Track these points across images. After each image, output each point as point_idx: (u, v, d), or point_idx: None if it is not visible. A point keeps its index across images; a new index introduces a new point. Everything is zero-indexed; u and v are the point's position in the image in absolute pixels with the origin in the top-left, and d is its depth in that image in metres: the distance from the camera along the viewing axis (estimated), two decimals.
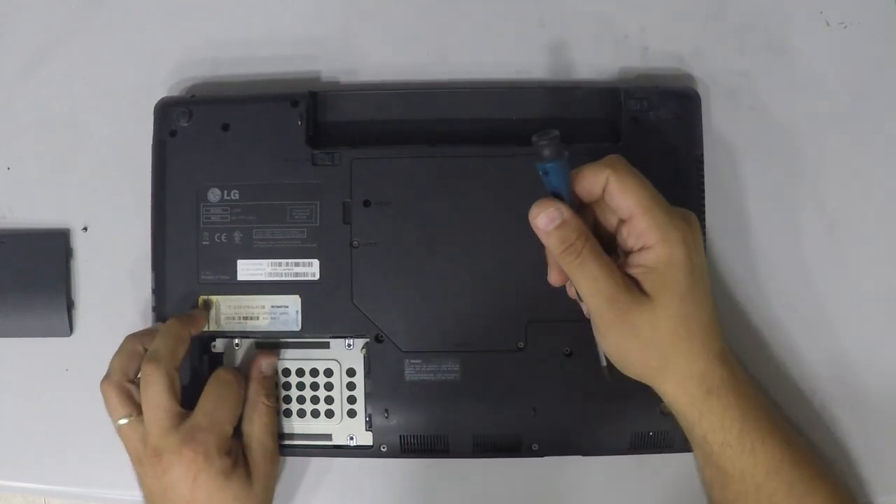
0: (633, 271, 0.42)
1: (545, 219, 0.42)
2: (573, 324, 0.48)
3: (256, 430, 0.48)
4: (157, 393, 0.45)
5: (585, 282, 0.42)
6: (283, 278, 0.49)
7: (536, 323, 0.49)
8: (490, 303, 0.49)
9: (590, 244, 0.42)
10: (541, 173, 0.42)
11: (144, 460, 0.45)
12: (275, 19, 0.54)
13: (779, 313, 0.51)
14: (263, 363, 0.49)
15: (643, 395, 0.45)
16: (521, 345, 0.49)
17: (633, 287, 0.42)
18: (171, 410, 0.45)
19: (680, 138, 0.49)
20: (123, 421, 0.45)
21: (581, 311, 0.46)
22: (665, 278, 0.42)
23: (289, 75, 0.54)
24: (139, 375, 0.46)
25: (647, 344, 0.43)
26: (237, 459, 0.46)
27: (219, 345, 0.51)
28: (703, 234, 0.48)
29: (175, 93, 0.54)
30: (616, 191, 0.42)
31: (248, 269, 0.50)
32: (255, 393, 0.48)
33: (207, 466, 0.44)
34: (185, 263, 0.50)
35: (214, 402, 0.46)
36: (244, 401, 0.48)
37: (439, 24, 0.54)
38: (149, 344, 0.47)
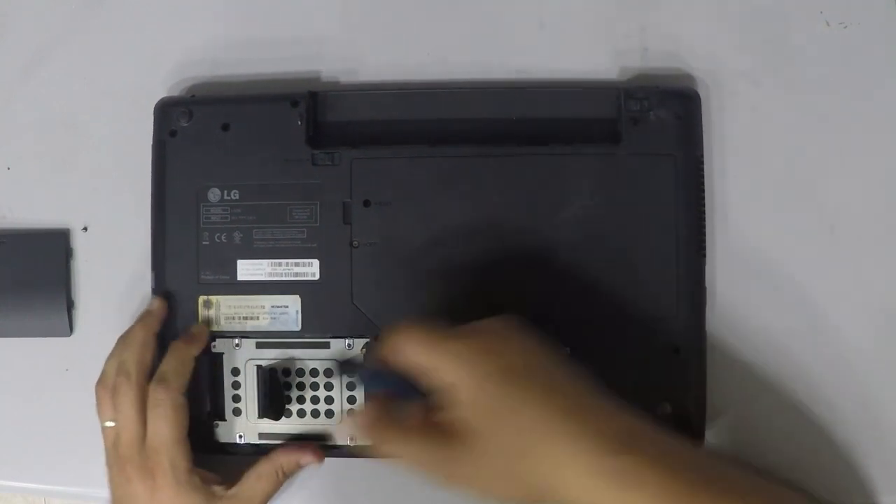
0: (447, 417, 0.40)
1: (364, 429, 0.42)
2: (573, 324, 0.48)
3: (258, 489, 0.48)
4: (129, 408, 0.46)
5: (416, 455, 0.41)
6: (283, 278, 0.49)
7: (536, 323, 0.48)
8: (490, 302, 0.49)
9: (392, 427, 0.41)
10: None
11: (114, 463, 0.47)
12: (275, 19, 0.54)
13: (779, 314, 0.51)
14: (313, 459, 0.49)
15: (642, 397, 0.45)
16: None
17: (456, 429, 0.40)
18: (141, 425, 0.46)
19: (680, 138, 0.49)
20: (109, 423, 0.47)
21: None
22: (476, 408, 0.40)
23: (289, 75, 0.54)
24: None
25: (508, 469, 0.39)
26: (205, 480, 0.47)
27: (219, 345, 0.51)
28: (702, 238, 0.48)
29: (175, 93, 0.54)
30: (398, 360, 0.42)
31: (248, 269, 0.50)
32: (283, 465, 0.49)
33: (164, 485, 0.45)
34: (185, 263, 0.50)
35: (153, 422, 0.46)
36: (186, 406, 0.47)
37: (439, 24, 0.54)
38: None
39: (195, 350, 0.49)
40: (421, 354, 0.41)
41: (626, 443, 0.39)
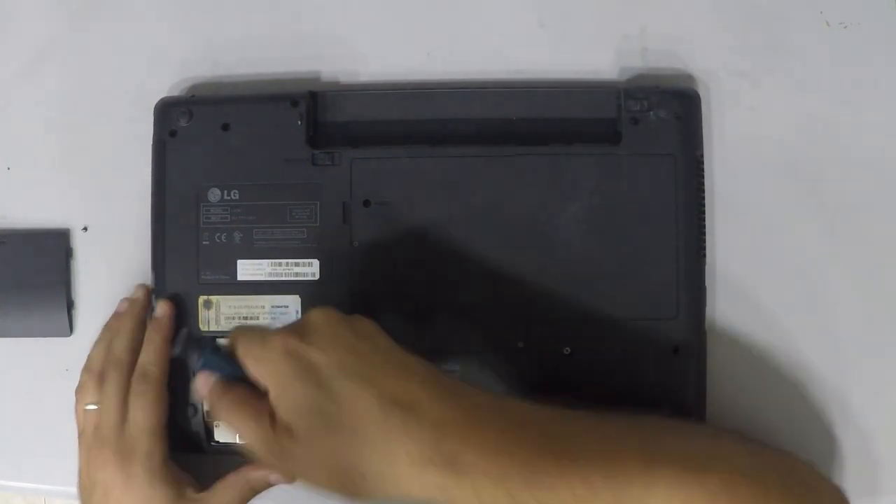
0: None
1: (202, 389, 0.43)
2: (573, 324, 0.48)
3: (226, 500, 0.48)
4: (115, 393, 0.48)
5: (245, 430, 0.41)
6: (283, 278, 0.50)
7: (536, 323, 0.49)
8: (490, 303, 0.49)
9: (229, 395, 0.42)
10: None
11: (93, 446, 0.47)
12: (275, 19, 0.54)
13: (779, 314, 0.51)
14: (282, 478, 0.48)
15: (642, 397, 0.45)
16: (521, 345, 0.49)
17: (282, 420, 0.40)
18: (124, 411, 0.47)
19: (680, 138, 0.49)
20: (91, 406, 0.48)
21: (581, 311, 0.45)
22: (287, 410, 0.39)
23: (289, 75, 0.54)
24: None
25: (333, 464, 0.39)
26: (179, 477, 0.48)
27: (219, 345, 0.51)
28: (702, 238, 0.49)
29: (175, 93, 0.54)
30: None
31: (248, 269, 0.50)
32: (252, 481, 0.48)
33: (139, 472, 0.46)
34: (185, 263, 0.50)
35: (134, 411, 0.47)
36: (167, 399, 0.48)
37: (439, 24, 0.54)
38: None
39: (166, 333, 0.49)
40: (243, 359, 0.42)
41: (458, 427, 0.38)
